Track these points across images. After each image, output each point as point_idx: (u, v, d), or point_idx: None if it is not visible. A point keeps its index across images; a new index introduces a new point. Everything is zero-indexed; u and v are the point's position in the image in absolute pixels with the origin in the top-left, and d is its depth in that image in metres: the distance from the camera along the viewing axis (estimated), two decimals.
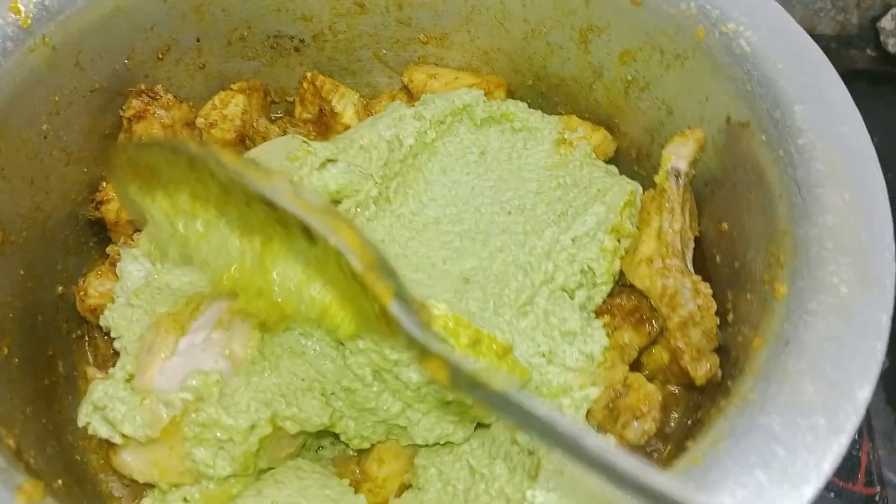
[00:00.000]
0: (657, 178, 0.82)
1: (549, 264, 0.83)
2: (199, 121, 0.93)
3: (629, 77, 0.91)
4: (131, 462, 0.71)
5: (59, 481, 0.69)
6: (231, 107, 0.94)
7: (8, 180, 0.78)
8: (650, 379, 0.81)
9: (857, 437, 1.05)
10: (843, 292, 0.62)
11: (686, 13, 0.82)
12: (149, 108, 0.87)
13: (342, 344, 0.74)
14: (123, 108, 0.89)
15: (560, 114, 0.99)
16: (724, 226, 0.81)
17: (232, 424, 0.69)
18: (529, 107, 0.98)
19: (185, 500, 0.72)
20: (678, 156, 0.80)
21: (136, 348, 0.76)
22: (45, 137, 0.83)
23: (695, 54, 0.82)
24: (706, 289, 0.75)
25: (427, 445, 0.78)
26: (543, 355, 0.80)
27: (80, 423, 0.72)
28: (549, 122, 0.96)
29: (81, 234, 0.90)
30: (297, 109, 1.03)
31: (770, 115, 0.74)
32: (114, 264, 0.84)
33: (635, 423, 0.71)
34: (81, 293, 0.84)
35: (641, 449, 0.73)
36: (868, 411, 1.07)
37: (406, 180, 0.91)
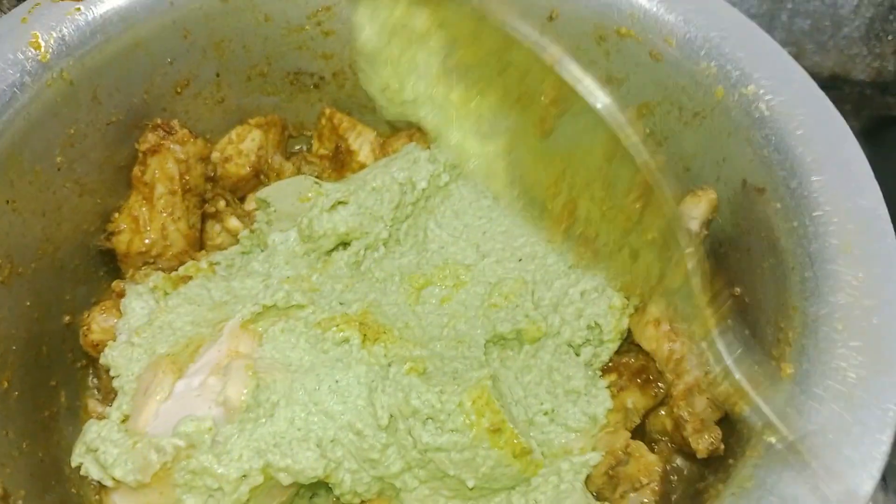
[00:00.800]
0: None
1: (556, 318, 0.82)
2: (215, 155, 0.93)
3: (647, 130, 0.90)
4: None
5: None
6: (247, 142, 0.94)
7: (18, 213, 0.79)
8: (653, 443, 0.80)
9: None
10: (850, 378, 0.60)
11: (706, 72, 0.81)
12: (164, 142, 0.88)
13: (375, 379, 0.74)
14: (139, 141, 0.89)
15: None
16: (737, 290, 0.79)
17: (223, 473, 0.69)
18: None
19: None
20: (690, 216, 0.79)
21: (132, 388, 0.76)
22: (59, 170, 0.83)
23: (713, 114, 0.81)
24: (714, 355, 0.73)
25: None
26: (546, 413, 0.79)
27: (74, 464, 0.72)
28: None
29: (92, 264, 0.91)
30: (315, 145, 1.03)
31: (787, 183, 0.73)
32: (120, 298, 0.84)
33: (633, 495, 0.69)
34: (84, 328, 0.84)
35: None
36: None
37: (417, 223, 0.90)
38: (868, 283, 0.64)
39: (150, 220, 0.89)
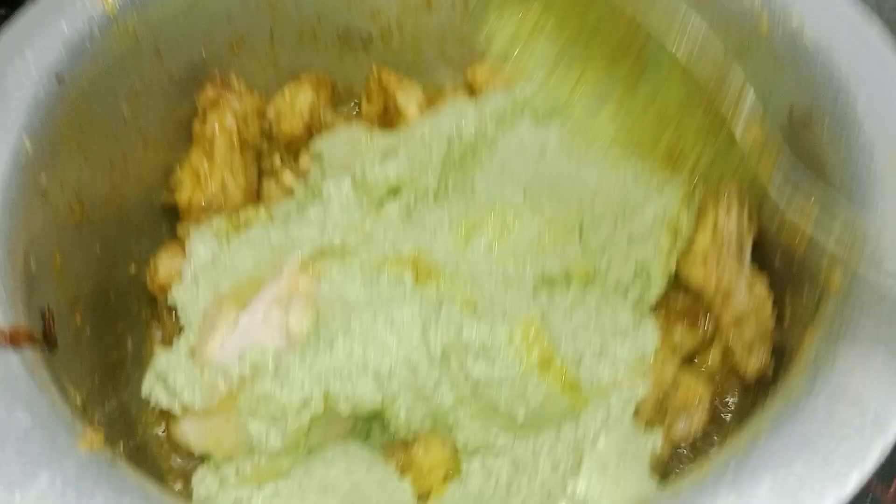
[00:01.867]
0: None
1: (604, 261, 0.84)
2: (270, 113, 0.97)
3: None
4: (189, 432, 0.74)
5: (121, 444, 0.72)
6: (300, 99, 0.97)
7: (88, 160, 0.82)
8: None
9: None
10: None
11: (750, 6, 0.82)
12: (222, 94, 0.91)
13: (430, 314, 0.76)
14: (198, 94, 0.92)
15: None
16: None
17: (285, 400, 0.71)
18: None
19: (237, 472, 0.74)
20: None
21: (198, 324, 0.79)
22: (125, 122, 0.87)
23: (759, 47, 0.82)
24: (760, 289, 0.74)
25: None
26: (594, 352, 0.80)
27: (144, 393, 0.75)
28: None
29: (155, 218, 0.94)
30: (364, 105, 1.06)
31: (833, 105, 0.73)
32: (183, 244, 0.87)
33: (682, 423, 0.70)
34: (152, 270, 0.88)
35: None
36: None
37: (465, 174, 0.92)
38: None
39: (210, 175, 0.92)
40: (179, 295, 0.82)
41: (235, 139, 0.91)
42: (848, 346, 0.58)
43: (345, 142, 0.90)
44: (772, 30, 0.80)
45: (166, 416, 0.77)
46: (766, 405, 0.58)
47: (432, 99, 1.06)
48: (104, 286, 0.85)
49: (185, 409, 0.74)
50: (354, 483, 0.74)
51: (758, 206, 0.84)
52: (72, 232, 0.80)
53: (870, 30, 0.76)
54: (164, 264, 0.87)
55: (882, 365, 0.56)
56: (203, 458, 0.77)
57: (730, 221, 0.76)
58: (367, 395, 0.74)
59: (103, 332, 0.83)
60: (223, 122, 0.91)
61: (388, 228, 0.86)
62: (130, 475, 0.55)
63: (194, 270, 0.84)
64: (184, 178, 0.92)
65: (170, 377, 0.73)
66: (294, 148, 1.00)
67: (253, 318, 0.76)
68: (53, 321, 0.70)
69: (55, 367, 0.67)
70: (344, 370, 0.74)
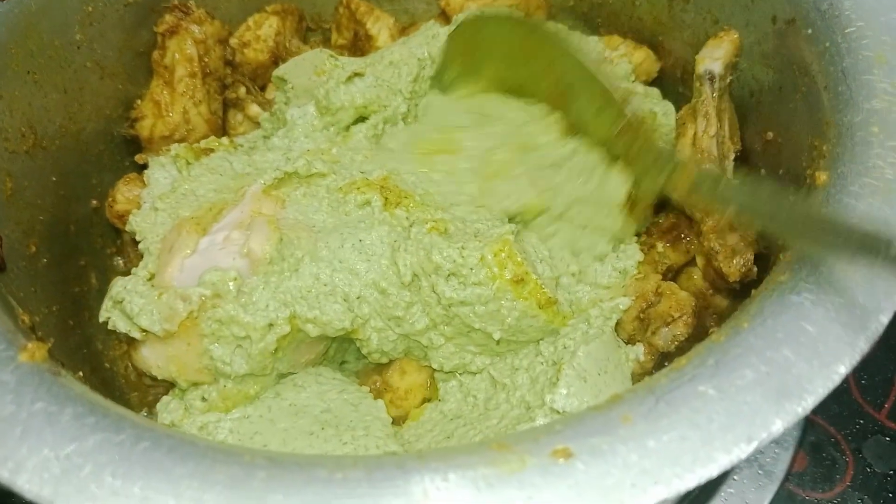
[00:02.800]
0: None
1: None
2: (233, 41, 0.93)
3: None
4: (150, 357, 0.71)
5: (81, 373, 0.69)
6: (265, 28, 0.94)
7: (40, 86, 0.79)
8: None
9: None
10: (888, 174, 0.57)
11: None
12: (181, 22, 0.87)
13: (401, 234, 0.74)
14: (157, 23, 0.88)
15: (601, 35, 0.96)
16: (770, 135, 0.76)
17: (249, 322, 0.68)
18: (570, 29, 0.94)
19: (203, 398, 0.71)
20: (712, 58, 0.77)
21: (158, 249, 0.75)
22: (79, 48, 0.83)
23: None
24: None
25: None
26: (573, 274, 0.78)
27: (101, 318, 0.72)
28: (587, 43, 0.93)
29: (116, 152, 0.91)
30: (333, 36, 1.02)
31: (817, 7, 0.70)
32: (142, 172, 0.84)
33: (665, 329, 0.67)
34: (110, 199, 0.84)
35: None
36: None
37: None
38: None
39: (171, 104, 0.88)
40: (138, 221, 0.79)
41: (197, 67, 0.88)
42: None
43: (309, 66, 0.86)
44: None
45: (127, 340, 0.74)
46: (751, 298, 0.55)
47: (406, 30, 1.03)
48: (63, 218, 0.82)
49: (145, 334, 0.70)
50: (327, 405, 0.71)
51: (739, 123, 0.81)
52: (23, 158, 0.76)
53: None
54: (123, 193, 0.83)
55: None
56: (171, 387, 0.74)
57: (709, 129, 0.73)
58: (335, 318, 0.71)
59: (63, 264, 0.80)
60: (183, 50, 0.87)
61: (356, 154, 0.82)
62: (76, 386, 0.52)
63: (153, 197, 0.80)
64: (144, 108, 0.89)
65: (126, 302, 0.70)
66: (260, 79, 0.96)
67: (213, 241, 0.73)
68: (1, 245, 0.67)
69: (2, 287, 0.63)
70: (311, 293, 0.71)
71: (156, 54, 0.89)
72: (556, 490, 0.44)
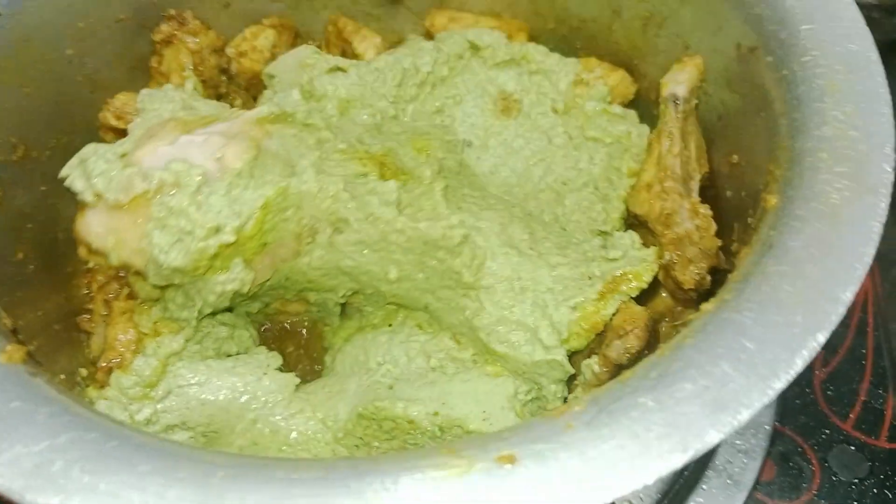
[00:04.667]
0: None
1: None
2: (230, 50, 0.96)
3: (646, 14, 0.90)
4: (93, 223, 0.72)
5: (62, 375, 0.72)
6: (261, 39, 0.97)
7: (31, 98, 0.82)
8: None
9: (881, 391, 1.01)
10: (833, 199, 0.60)
11: None
12: (177, 33, 0.90)
13: None
14: (153, 32, 0.91)
15: (580, 57, 0.99)
16: (735, 158, 0.79)
17: (198, 218, 0.69)
18: (550, 51, 0.97)
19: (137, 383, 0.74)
20: (676, 81, 0.80)
21: (140, 133, 0.76)
22: (70, 62, 0.86)
23: None
24: (705, 210, 0.74)
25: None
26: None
27: (62, 174, 0.73)
28: (566, 64, 0.96)
29: None
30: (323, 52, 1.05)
31: (777, 35, 0.73)
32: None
33: (618, 342, 0.69)
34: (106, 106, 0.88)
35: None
36: None
37: (424, 108, 0.91)
38: (855, 116, 0.64)
39: None
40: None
41: (192, 75, 0.91)
42: (778, 259, 0.57)
43: (295, 61, 0.89)
44: None
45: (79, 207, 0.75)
46: (697, 314, 0.57)
47: (391, 48, 1.06)
48: (51, 226, 0.85)
49: (97, 198, 0.71)
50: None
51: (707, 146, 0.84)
52: (14, 168, 0.79)
53: None
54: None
55: (812, 274, 0.56)
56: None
57: (672, 149, 0.76)
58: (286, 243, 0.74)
59: (49, 271, 0.83)
60: (178, 59, 0.90)
61: (357, 127, 0.84)
62: (52, 387, 0.55)
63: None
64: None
65: (90, 161, 0.71)
66: (254, 89, 0.99)
67: (193, 139, 0.73)
68: None
69: None
70: (267, 217, 0.72)
71: (153, 61, 0.93)
72: (499, 493, 0.47)
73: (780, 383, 0.51)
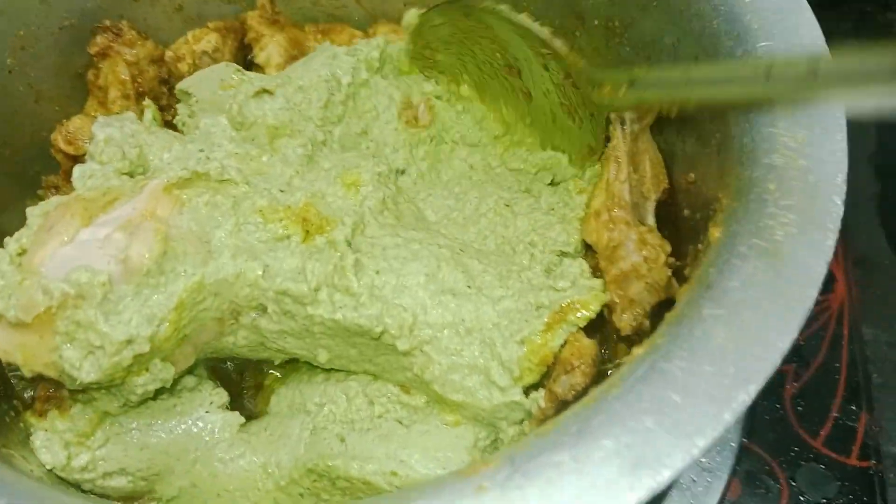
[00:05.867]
0: None
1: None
2: (169, 55, 0.92)
3: (608, 22, 0.87)
4: None
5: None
6: (202, 43, 0.93)
7: None
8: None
9: (854, 407, 0.98)
10: (778, 236, 0.57)
11: None
12: (112, 45, 0.88)
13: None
14: (89, 44, 0.89)
15: None
16: (692, 176, 0.76)
17: (107, 332, 0.66)
18: None
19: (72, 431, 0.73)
20: None
21: (38, 224, 0.72)
22: (10, 72, 0.84)
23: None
24: (655, 239, 0.71)
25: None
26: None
27: None
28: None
29: (52, 172, 0.91)
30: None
31: (733, 52, 0.69)
32: None
33: (564, 377, 0.67)
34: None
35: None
36: (870, 384, 1.01)
37: (350, 131, 0.86)
38: (808, 145, 0.61)
39: None
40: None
41: (130, 89, 0.88)
42: (714, 301, 0.55)
43: (215, 79, 0.85)
44: None
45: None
46: (627, 360, 0.55)
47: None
48: None
49: None
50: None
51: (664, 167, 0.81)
52: None
53: None
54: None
55: (748, 319, 0.53)
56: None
57: (620, 175, 0.73)
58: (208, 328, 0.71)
59: None
60: (115, 72, 0.88)
61: (287, 167, 0.80)
62: None
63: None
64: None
65: None
66: None
67: (94, 234, 0.70)
68: None
69: None
70: (183, 315, 0.69)
71: (90, 74, 0.90)
72: None
73: (705, 440, 0.49)
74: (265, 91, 0.82)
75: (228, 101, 0.82)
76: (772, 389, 1.00)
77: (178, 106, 0.88)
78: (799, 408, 1.00)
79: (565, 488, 0.47)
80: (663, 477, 0.47)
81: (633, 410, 0.50)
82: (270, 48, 0.94)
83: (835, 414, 0.99)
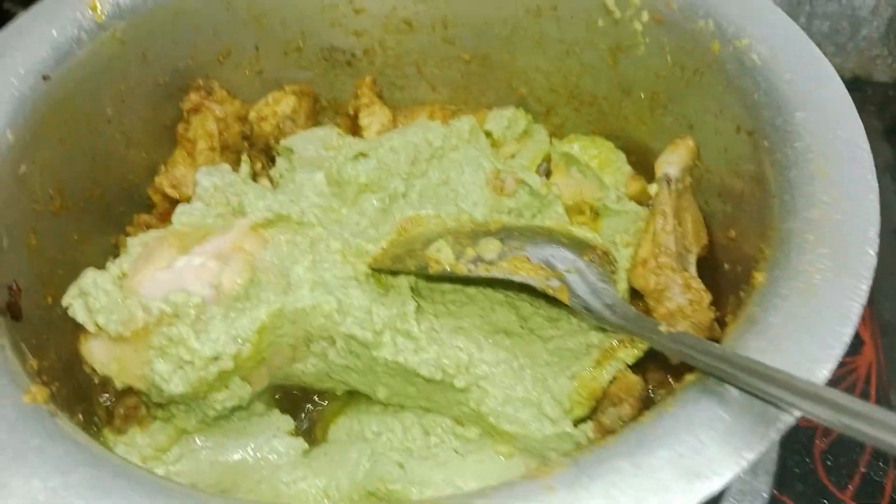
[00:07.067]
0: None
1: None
2: (252, 115, 1.02)
3: (653, 94, 0.95)
4: (96, 351, 0.75)
5: (80, 416, 0.76)
6: (282, 105, 1.02)
7: (71, 155, 0.87)
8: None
9: (882, 464, 1.02)
10: (815, 279, 0.63)
11: (704, 29, 0.86)
12: (205, 101, 0.96)
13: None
14: (183, 100, 0.98)
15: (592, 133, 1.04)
16: (732, 233, 0.82)
17: (197, 348, 0.72)
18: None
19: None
20: (668, 163, 0.84)
21: (138, 252, 0.80)
22: (109, 121, 0.92)
23: (710, 68, 0.85)
24: (697, 283, 0.76)
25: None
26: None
27: (64, 303, 0.76)
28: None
29: (136, 210, 0.99)
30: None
31: (772, 121, 0.76)
32: None
33: (612, 409, 0.72)
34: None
35: None
36: None
37: (430, 182, 0.95)
38: (841, 201, 0.67)
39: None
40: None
41: (216, 142, 0.97)
42: (758, 335, 0.60)
43: (318, 140, 0.94)
44: (723, 48, 0.84)
45: (82, 331, 0.78)
46: (681, 385, 0.60)
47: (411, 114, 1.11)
48: (79, 274, 0.89)
49: (100, 330, 0.75)
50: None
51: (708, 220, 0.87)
52: (49, 218, 0.84)
53: (814, 47, 0.80)
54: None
55: (789, 350, 0.58)
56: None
57: (666, 227, 0.79)
58: (283, 353, 0.78)
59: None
60: (205, 126, 0.96)
61: (363, 217, 0.88)
62: (69, 428, 0.59)
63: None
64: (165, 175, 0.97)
65: (92, 296, 0.75)
66: (273, 151, 1.04)
67: (190, 262, 0.77)
68: (20, 295, 0.74)
69: (16, 334, 0.71)
70: (263, 338, 0.76)
71: (180, 127, 0.99)
72: None
73: (752, 454, 0.54)
74: (362, 154, 0.90)
75: (329, 161, 0.90)
76: (801, 444, 1.04)
77: (277, 159, 0.97)
78: (828, 462, 1.03)
79: (626, 490, 0.52)
80: (714, 484, 0.52)
81: (687, 426, 0.55)
82: (376, 114, 1.03)
83: (863, 469, 1.02)
